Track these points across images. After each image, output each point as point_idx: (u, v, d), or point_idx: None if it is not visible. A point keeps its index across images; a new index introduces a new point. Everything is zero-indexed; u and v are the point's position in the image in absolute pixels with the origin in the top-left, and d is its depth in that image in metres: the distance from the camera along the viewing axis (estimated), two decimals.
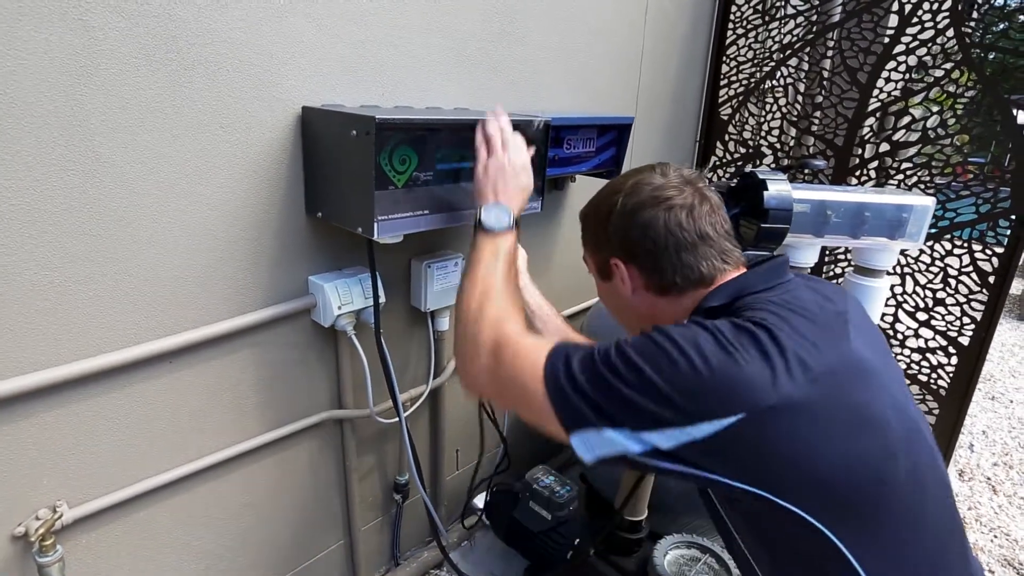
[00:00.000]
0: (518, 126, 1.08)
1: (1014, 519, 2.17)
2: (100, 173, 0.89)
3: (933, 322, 1.82)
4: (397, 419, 1.35)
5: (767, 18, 1.99)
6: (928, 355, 1.85)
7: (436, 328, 1.46)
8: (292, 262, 1.17)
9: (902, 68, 1.74)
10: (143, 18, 0.87)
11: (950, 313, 1.78)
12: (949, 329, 1.79)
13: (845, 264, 2.06)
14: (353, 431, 1.40)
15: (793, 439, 0.65)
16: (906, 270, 1.86)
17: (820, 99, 1.99)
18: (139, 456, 1.06)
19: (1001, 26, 1.68)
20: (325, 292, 1.17)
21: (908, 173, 1.80)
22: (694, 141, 2.23)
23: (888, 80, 1.77)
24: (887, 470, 0.68)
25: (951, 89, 1.70)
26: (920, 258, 1.83)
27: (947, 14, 1.63)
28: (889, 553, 0.69)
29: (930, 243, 1.79)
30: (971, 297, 1.74)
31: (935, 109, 1.72)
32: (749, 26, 2.03)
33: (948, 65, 1.68)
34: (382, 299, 1.22)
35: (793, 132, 2.10)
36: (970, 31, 1.62)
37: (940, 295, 1.80)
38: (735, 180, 1.18)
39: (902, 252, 1.78)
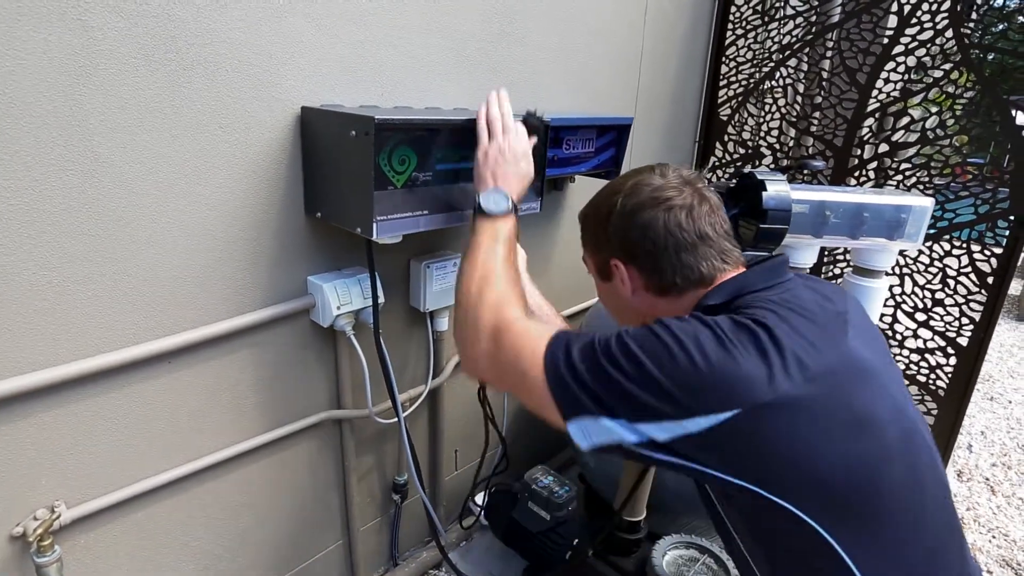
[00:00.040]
0: (520, 116, 1.08)
1: (1012, 519, 2.17)
2: (99, 173, 0.89)
3: (932, 322, 1.82)
4: (396, 419, 1.35)
5: (766, 19, 1.99)
6: (927, 355, 1.85)
7: (435, 328, 1.46)
8: (291, 262, 1.17)
9: (901, 69, 1.74)
10: (142, 18, 0.87)
11: (949, 314, 1.79)
12: (948, 330, 1.79)
13: (844, 264, 2.06)
14: (352, 431, 1.40)
15: (793, 438, 0.65)
16: (905, 271, 1.86)
17: (819, 100, 1.99)
18: (138, 456, 1.06)
19: (1000, 27, 1.68)
20: (324, 292, 1.17)
21: (907, 174, 1.80)
22: (693, 141, 2.23)
23: (887, 81, 1.78)
24: (884, 471, 0.69)
25: (950, 90, 1.70)
26: (919, 259, 1.83)
27: (946, 15, 1.63)
28: (888, 553, 0.69)
29: (929, 244, 1.79)
30: (970, 298, 1.74)
31: (934, 110, 1.72)
32: (748, 27, 2.03)
33: (947, 66, 1.69)
34: (381, 299, 1.22)
35: (792, 133, 2.10)
36: (969, 32, 1.62)
37: (939, 296, 1.80)
38: (734, 181, 1.18)
39: (901, 253, 1.79)
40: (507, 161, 1.01)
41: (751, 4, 2.01)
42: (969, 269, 1.72)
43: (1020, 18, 1.63)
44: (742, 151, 2.14)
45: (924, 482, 0.73)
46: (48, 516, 0.95)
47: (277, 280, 1.15)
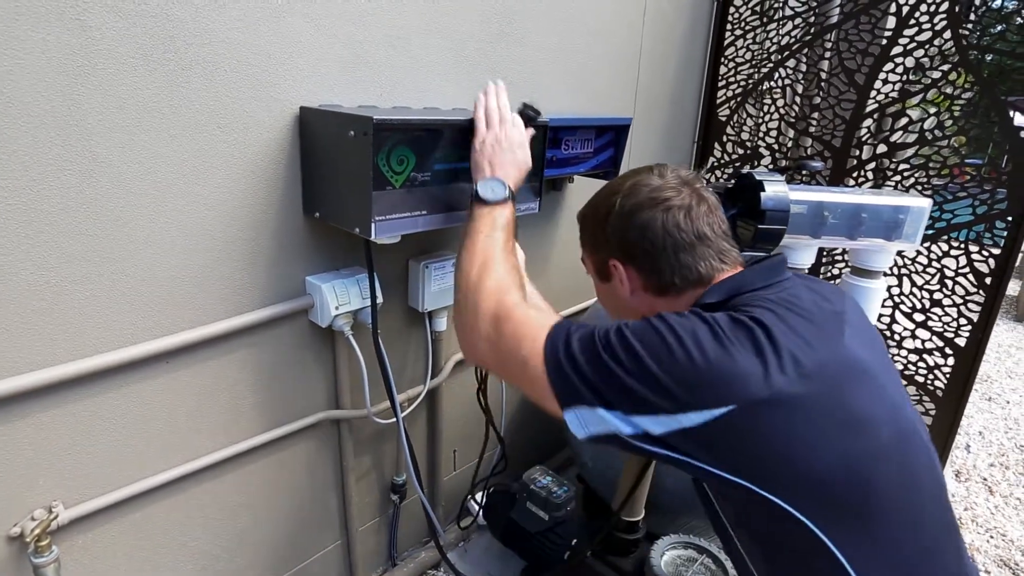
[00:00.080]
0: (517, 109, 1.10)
1: (1010, 519, 2.18)
2: (97, 173, 0.88)
3: (930, 323, 1.82)
4: (394, 419, 1.35)
5: (765, 19, 1.99)
6: (925, 356, 1.85)
7: (434, 328, 1.46)
8: (289, 262, 1.16)
9: (900, 70, 1.74)
10: (140, 18, 0.87)
11: (947, 314, 1.79)
12: (946, 330, 1.79)
13: (842, 265, 2.06)
14: (350, 431, 1.39)
15: (787, 435, 0.66)
16: (903, 271, 1.86)
17: (818, 100, 1.99)
18: (135, 456, 1.06)
19: (998, 28, 1.69)
20: (322, 292, 1.17)
21: (905, 174, 1.80)
22: (692, 142, 2.23)
23: (886, 82, 1.78)
24: (879, 470, 0.69)
25: (948, 91, 1.70)
26: (917, 259, 1.83)
27: (944, 16, 1.63)
28: (884, 553, 0.69)
29: (927, 244, 1.79)
30: (968, 298, 1.74)
31: (932, 111, 1.73)
32: (747, 27, 2.03)
33: (945, 67, 1.69)
34: (379, 299, 1.22)
35: (791, 133, 2.10)
36: (967, 33, 1.62)
37: (937, 296, 1.81)
38: (732, 181, 1.18)
39: (899, 253, 1.79)
40: (504, 150, 1.02)
41: (750, 5, 2.01)
42: (967, 269, 1.73)
43: (1018, 19, 1.63)
44: (741, 152, 2.14)
45: (920, 482, 0.73)
46: (46, 516, 0.95)
47: (275, 280, 1.15)
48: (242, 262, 1.09)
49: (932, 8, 1.64)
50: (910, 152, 1.79)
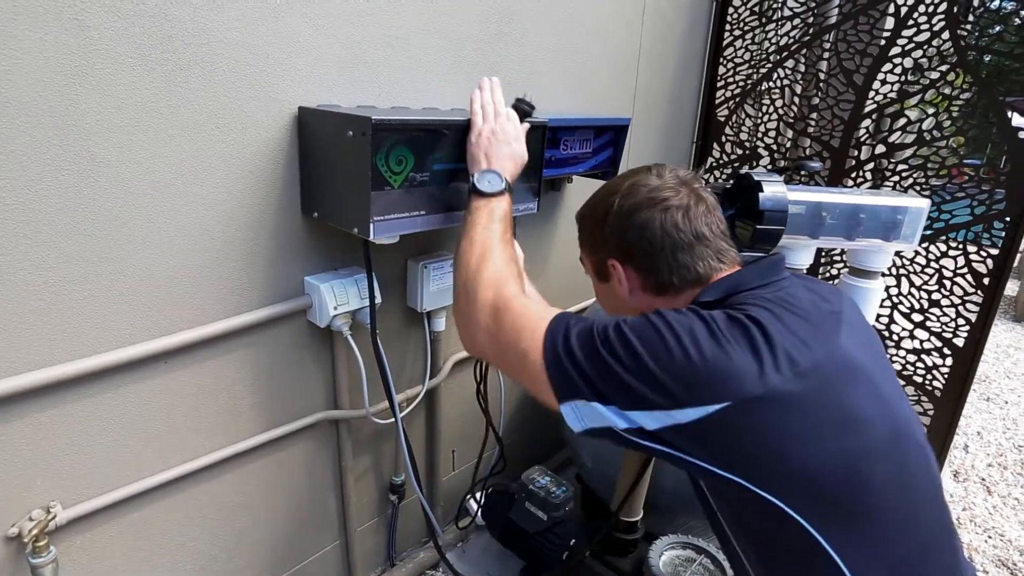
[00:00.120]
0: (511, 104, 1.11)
1: (1008, 519, 2.18)
2: (95, 173, 0.88)
3: (928, 323, 1.82)
4: (393, 419, 1.35)
5: (764, 20, 1.99)
6: (923, 356, 1.86)
7: (432, 328, 1.46)
8: (288, 262, 1.16)
9: (898, 70, 1.75)
10: (139, 18, 0.87)
11: (945, 314, 1.79)
12: (944, 330, 1.79)
13: (841, 265, 2.06)
14: (349, 432, 1.39)
15: (781, 433, 0.66)
16: (902, 271, 1.86)
17: (816, 101, 1.99)
18: (134, 456, 1.06)
19: (997, 29, 1.69)
20: (321, 292, 1.17)
21: (904, 175, 1.81)
22: (691, 142, 2.23)
23: (884, 82, 1.78)
24: (873, 469, 0.69)
25: (947, 91, 1.70)
26: (915, 259, 1.83)
27: (943, 17, 1.63)
28: (879, 552, 0.69)
29: (925, 245, 1.79)
30: (966, 298, 1.75)
31: (931, 111, 1.73)
32: (746, 28, 2.03)
33: (944, 67, 1.69)
34: (378, 299, 1.22)
35: (790, 134, 2.10)
36: (966, 34, 1.63)
37: (935, 296, 1.81)
38: (731, 181, 1.18)
39: (897, 254, 1.79)
40: (500, 142, 1.02)
41: (749, 5, 2.01)
42: (965, 270, 1.73)
43: (1016, 20, 1.63)
44: (740, 152, 2.14)
45: (915, 481, 0.73)
46: (44, 517, 0.95)
47: (274, 280, 1.15)
48: (240, 262, 1.09)
49: (930, 9, 1.64)
50: (908, 153, 1.79)
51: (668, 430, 0.68)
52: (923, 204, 1.23)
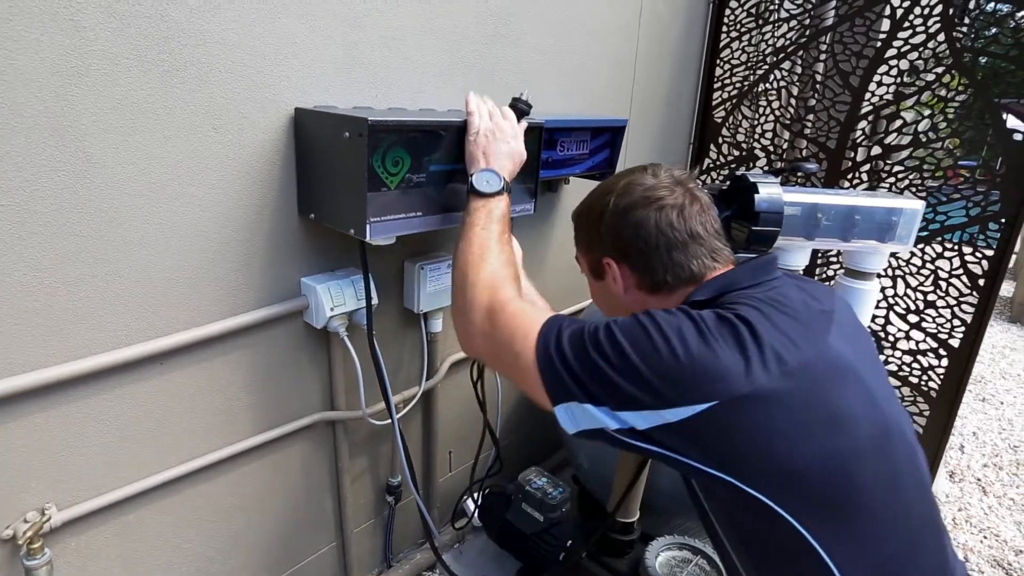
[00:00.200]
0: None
1: (1003, 520, 2.18)
2: (91, 174, 0.88)
3: (924, 324, 1.83)
4: (390, 421, 1.35)
5: (760, 21, 2.00)
6: (919, 357, 1.86)
7: (429, 329, 1.46)
8: (284, 263, 1.16)
9: (894, 72, 1.75)
10: (135, 18, 0.87)
11: (941, 315, 1.79)
12: (940, 331, 1.80)
13: (837, 267, 2.07)
14: (345, 433, 1.39)
15: (769, 431, 0.67)
16: (898, 272, 1.87)
17: (813, 102, 2.00)
18: (129, 458, 1.06)
19: (992, 31, 1.70)
20: (317, 293, 1.17)
21: (900, 176, 1.81)
22: (688, 143, 2.24)
23: (880, 84, 1.78)
24: (860, 467, 0.70)
25: (942, 93, 1.71)
26: (911, 261, 1.84)
27: (938, 19, 1.64)
28: (867, 551, 0.70)
29: (921, 246, 1.80)
30: (961, 299, 1.75)
31: (926, 113, 1.73)
32: (743, 29, 2.04)
33: (939, 69, 1.70)
34: (375, 300, 1.22)
35: (786, 135, 2.11)
36: (961, 36, 1.63)
37: (931, 297, 1.81)
38: (727, 183, 1.18)
39: (893, 255, 1.80)
40: (497, 140, 1.03)
41: (745, 7, 2.01)
42: (961, 271, 1.73)
43: (1011, 22, 1.64)
44: (736, 153, 2.15)
45: (903, 480, 0.74)
46: (38, 519, 0.95)
47: (270, 281, 1.15)
48: (237, 263, 1.09)
49: (926, 11, 1.65)
50: (904, 154, 1.80)
51: (658, 430, 0.68)
52: (918, 205, 1.24)
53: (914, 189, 1.81)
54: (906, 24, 1.69)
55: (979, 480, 2.42)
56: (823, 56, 1.93)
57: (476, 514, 1.65)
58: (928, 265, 1.80)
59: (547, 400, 0.74)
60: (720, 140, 2.17)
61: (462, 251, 0.93)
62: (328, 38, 1.09)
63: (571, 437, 0.75)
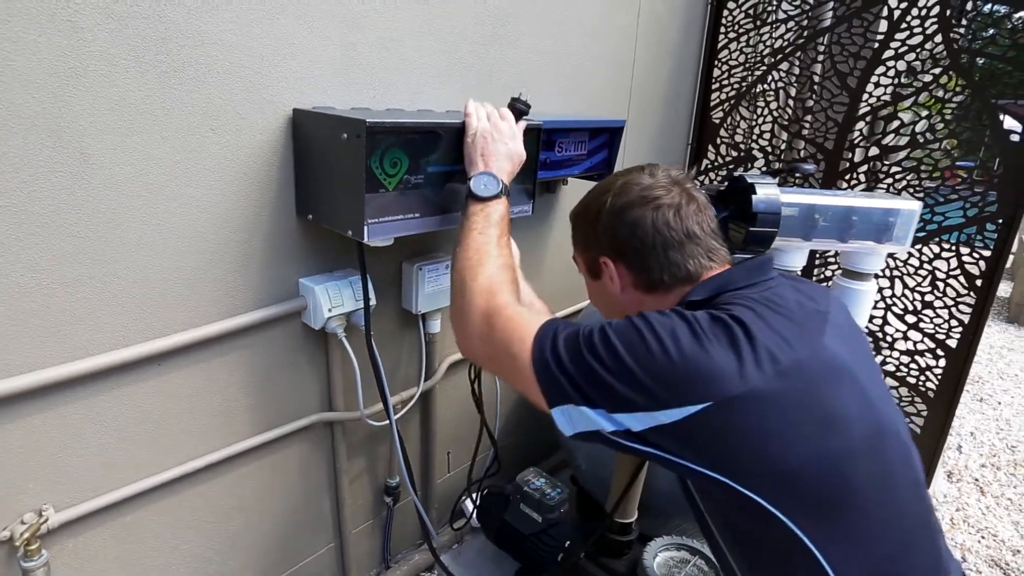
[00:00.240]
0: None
1: (1001, 520, 2.19)
2: (89, 175, 0.88)
3: (922, 324, 1.83)
4: (388, 421, 1.35)
5: (758, 22, 2.00)
6: (917, 357, 1.86)
7: (427, 330, 1.46)
8: (282, 264, 1.16)
9: (891, 73, 1.75)
10: (133, 19, 0.87)
11: (938, 316, 1.80)
12: (937, 332, 1.80)
13: (835, 267, 2.07)
14: (344, 434, 1.39)
15: (764, 431, 0.67)
16: (895, 273, 1.87)
17: (811, 103, 2.00)
18: (127, 459, 1.05)
19: (989, 32, 1.70)
20: (315, 294, 1.17)
21: (897, 177, 1.82)
22: (686, 144, 2.24)
23: (878, 85, 1.79)
24: (854, 467, 0.70)
25: (940, 94, 1.71)
26: (909, 261, 1.84)
27: (935, 20, 1.64)
28: (861, 551, 0.70)
29: (919, 247, 1.80)
30: (959, 300, 1.75)
31: (924, 114, 1.74)
32: (741, 30, 2.04)
33: (936, 70, 1.70)
34: (373, 301, 1.22)
35: (784, 136, 2.11)
36: (958, 37, 1.64)
37: (929, 298, 1.82)
38: (725, 184, 1.18)
39: (891, 255, 1.80)
40: (495, 141, 1.03)
41: (743, 8, 2.02)
42: (958, 272, 1.74)
43: (1008, 24, 1.64)
44: (734, 154, 2.15)
45: (897, 480, 0.74)
46: (36, 520, 0.95)
47: (268, 282, 1.15)
48: (235, 264, 1.09)
49: (923, 12, 1.65)
50: (902, 155, 1.80)
51: (653, 431, 0.69)
52: (915, 206, 1.24)
53: (912, 190, 1.81)
54: (903, 25, 1.69)
55: (977, 480, 2.42)
56: (821, 57, 1.93)
57: (474, 515, 1.64)
58: (926, 266, 1.81)
59: (544, 403, 0.75)
60: (718, 141, 2.17)
61: (460, 255, 0.93)
62: (326, 39, 1.09)
63: (568, 438, 0.75)
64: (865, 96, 1.81)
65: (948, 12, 1.61)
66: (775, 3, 1.95)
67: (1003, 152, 1.61)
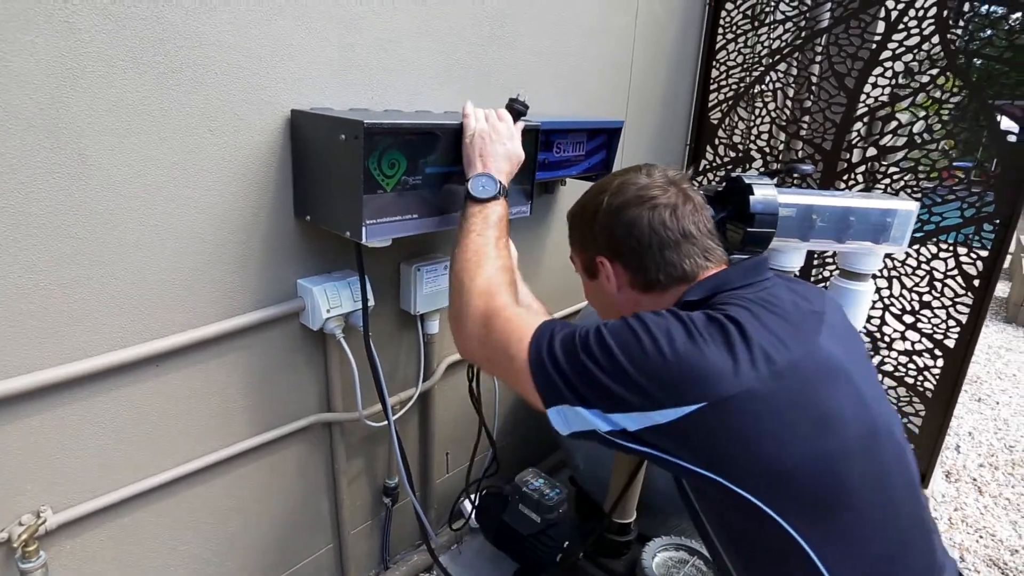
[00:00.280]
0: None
1: (999, 519, 2.19)
2: (86, 176, 0.88)
3: (919, 325, 1.84)
4: (386, 422, 1.35)
5: (756, 23, 2.00)
6: (915, 357, 1.87)
7: (426, 331, 1.46)
8: (280, 265, 1.16)
9: (889, 74, 1.76)
10: (130, 20, 0.87)
11: (936, 316, 1.80)
12: (935, 332, 1.81)
13: (832, 268, 2.08)
14: (342, 434, 1.39)
15: (758, 431, 0.67)
16: (893, 273, 1.88)
17: (809, 104, 2.01)
18: (125, 460, 1.05)
19: (987, 32, 1.70)
20: (314, 295, 1.17)
21: (895, 178, 1.82)
22: (684, 145, 2.24)
23: (875, 85, 1.79)
24: (848, 467, 0.70)
25: (937, 95, 1.72)
26: (907, 261, 1.85)
27: (933, 21, 1.64)
28: (856, 551, 0.70)
29: (916, 247, 1.80)
30: (957, 300, 1.76)
31: (921, 114, 1.74)
32: (739, 31, 2.05)
33: (934, 71, 1.70)
34: (371, 302, 1.22)
35: (782, 136, 2.11)
36: (956, 38, 1.64)
37: (926, 298, 1.82)
38: (723, 184, 1.19)
39: (889, 256, 1.80)
40: (493, 141, 1.03)
41: (741, 8, 2.02)
42: (956, 272, 1.74)
43: (1006, 24, 1.65)
44: (732, 154, 2.15)
45: (892, 480, 0.74)
46: (33, 521, 0.94)
47: (266, 283, 1.15)
48: (233, 265, 1.09)
49: (920, 13, 1.66)
50: (900, 155, 1.80)
51: (648, 431, 0.69)
52: (912, 207, 1.24)
53: (909, 190, 1.81)
54: (901, 26, 1.70)
55: (975, 480, 2.42)
56: (819, 58, 1.93)
57: (473, 515, 1.65)
58: (924, 266, 1.81)
59: (540, 403, 0.75)
60: (716, 141, 2.17)
61: (458, 257, 0.93)
62: (324, 40, 1.09)
63: (566, 438, 0.75)
64: (863, 97, 1.81)
65: (945, 13, 1.62)
66: (773, 4, 1.96)
67: (1000, 152, 1.62)
